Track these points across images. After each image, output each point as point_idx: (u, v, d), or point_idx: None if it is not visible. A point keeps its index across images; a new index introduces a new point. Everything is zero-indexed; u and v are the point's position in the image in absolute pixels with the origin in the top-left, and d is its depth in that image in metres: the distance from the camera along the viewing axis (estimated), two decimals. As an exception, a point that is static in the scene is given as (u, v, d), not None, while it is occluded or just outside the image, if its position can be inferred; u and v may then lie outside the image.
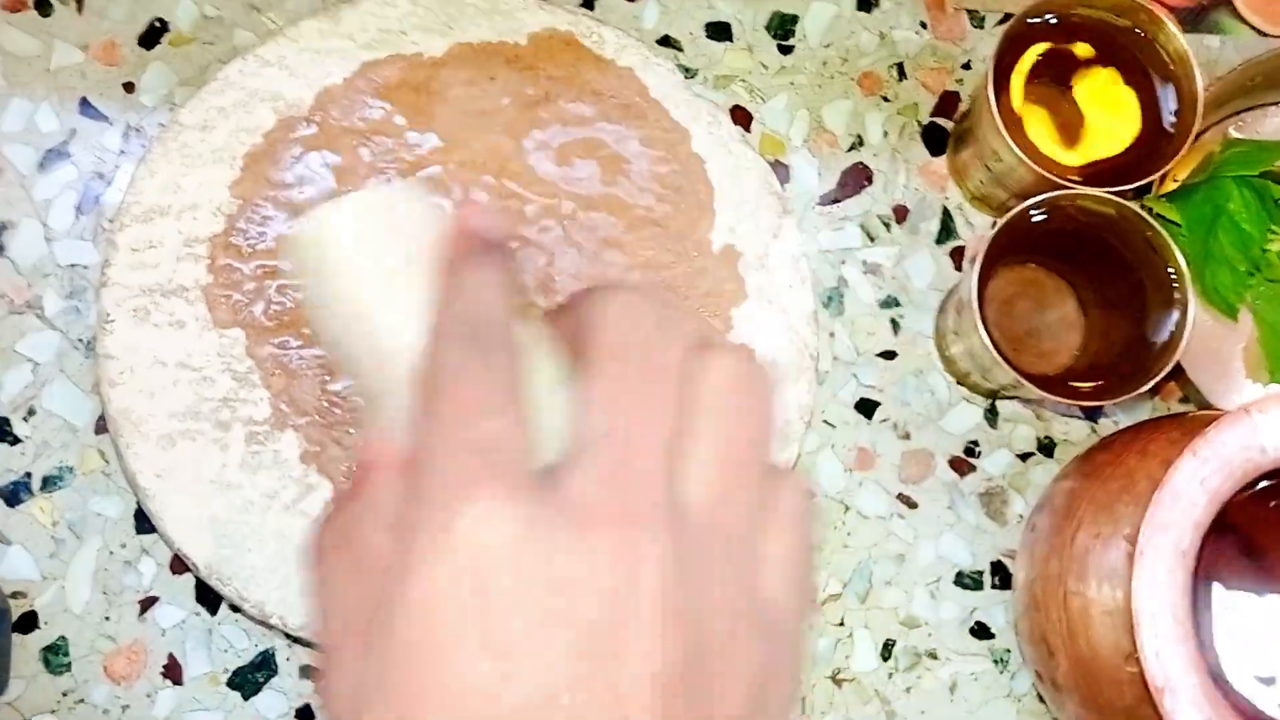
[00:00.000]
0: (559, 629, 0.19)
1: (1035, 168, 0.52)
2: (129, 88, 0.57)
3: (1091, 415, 0.60)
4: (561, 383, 0.23)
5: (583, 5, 0.60)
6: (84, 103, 0.57)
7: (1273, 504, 0.52)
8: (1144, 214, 0.51)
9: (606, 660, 0.19)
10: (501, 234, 0.24)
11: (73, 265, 0.56)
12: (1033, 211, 0.52)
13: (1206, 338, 0.58)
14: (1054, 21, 0.55)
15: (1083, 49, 0.55)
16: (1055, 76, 0.57)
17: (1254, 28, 0.65)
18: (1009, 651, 0.57)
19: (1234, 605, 0.52)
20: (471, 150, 0.54)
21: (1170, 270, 0.51)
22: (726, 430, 0.23)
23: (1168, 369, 0.50)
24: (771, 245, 0.55)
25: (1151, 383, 0.50)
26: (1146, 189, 0.56)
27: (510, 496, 0.20)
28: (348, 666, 0.21)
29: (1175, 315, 0.51)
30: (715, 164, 0.56)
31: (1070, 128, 0.56)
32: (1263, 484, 0.46)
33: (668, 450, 0.22)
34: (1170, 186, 0.58)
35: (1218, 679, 0.47)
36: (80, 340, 0.55)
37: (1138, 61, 0.55)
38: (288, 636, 0.52)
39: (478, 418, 0.21)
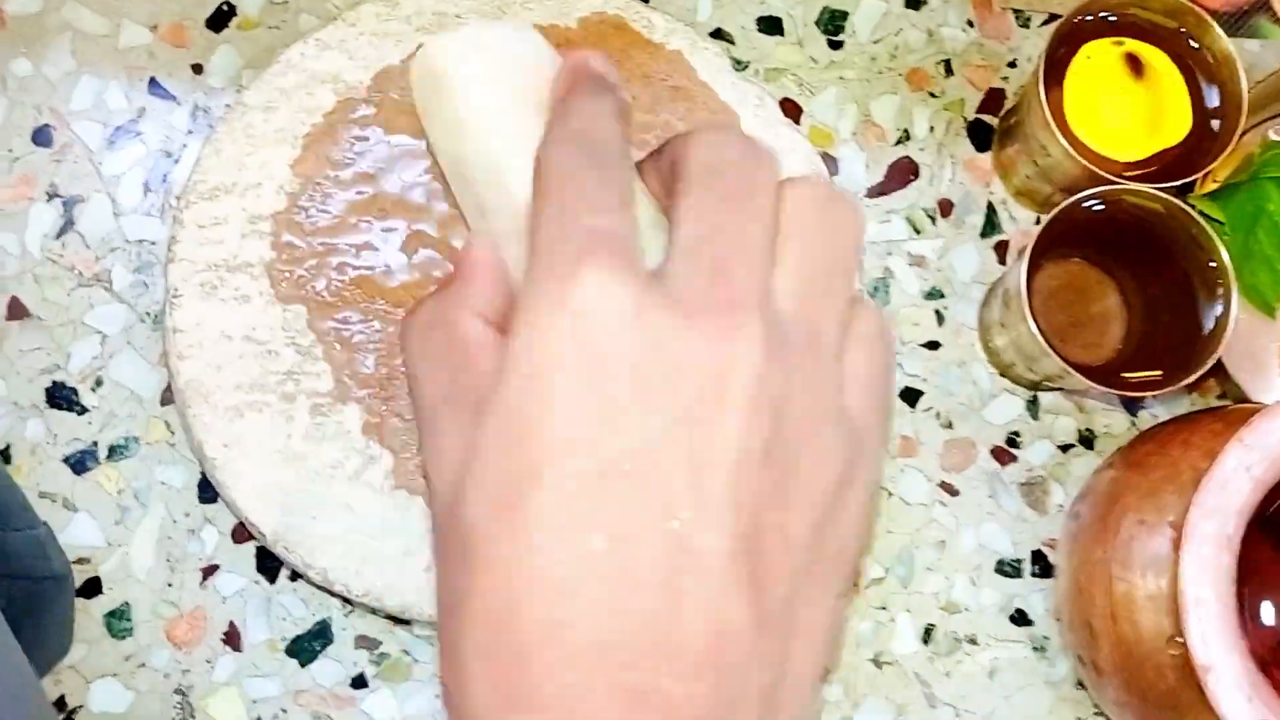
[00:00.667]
0: (658, 397, 0.21)
1: (1084, 161, 0.53)
2: (197, 69, 0.59)
3: (1131, 409, 0.61)
4: (658, 225, 0.25)
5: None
6: (153, 82, 0.58)
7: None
8: (1190, 210, 0.52)
9: (696, 431, 0.21)
10: (615, 77, 0.26)
11: (140, 241, 0.57)
12: (1085, 203, 0.53)
13: (1244, 335, 0.59)
14: (1106, 20, 0.56)
15: (1134, 48, 0.56)
16: (1105, 75, 0.58)
17: (1295, 32, 0.66)
18: (1047, 639, 0.58)
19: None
20: None
21: (1213, 264, 0.52)
22: (815, 247, 0.24)
23: (1213, 360, 0.51)
24: None
25: (1197, 374, 0.51)
26: (1189, 188, 0.57)
27: (623, 275, 0.21)
28: (447, 432, 0.22)
29: (1219, 308, 0.52)
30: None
31: (1119, 125, 0.57)
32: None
33: (761, 257, 0.23)
34: (1210, 187, 0.60)
35: (1260, 662, 0.48)
36: (147, 314, 0.56)
37: (1185, 62, 0.56)
38: (346, 602, 0.54)
39: (594, 211, 0.22)
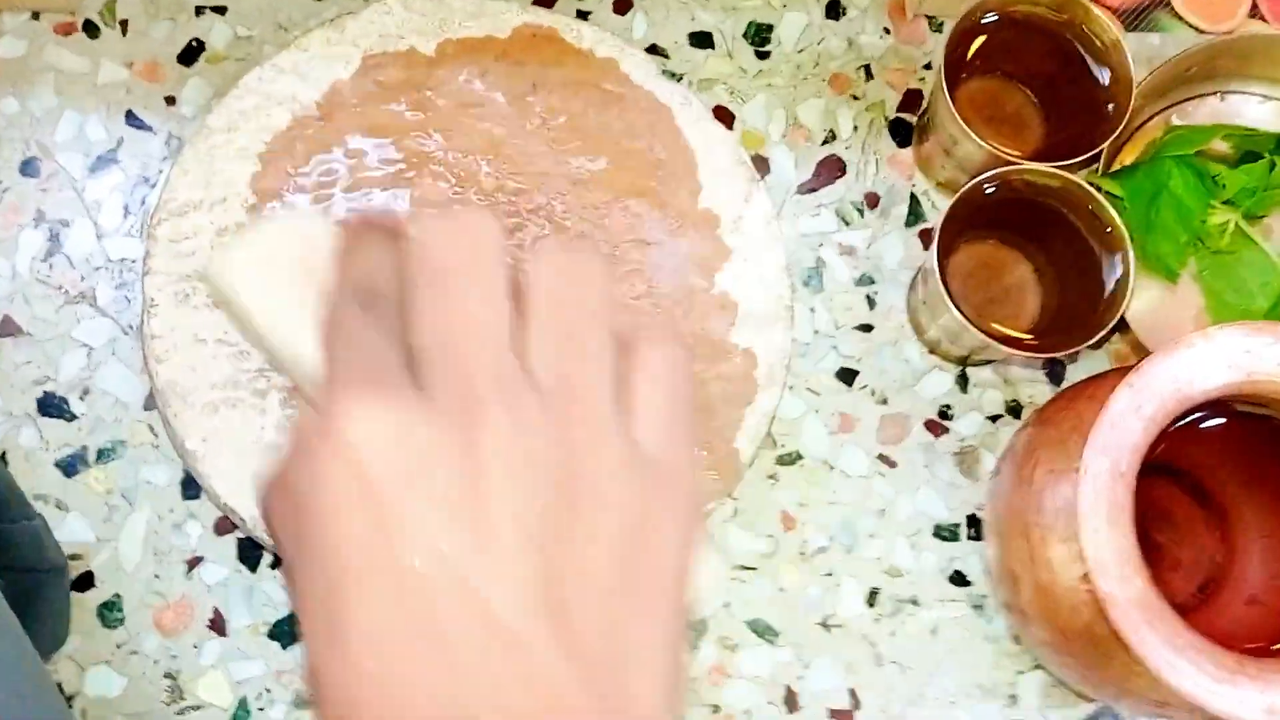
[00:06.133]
0: (428, 496, 0.22)
1: (986, 146, 0.58)
2: (170, 100, 0.63)
3: (1055, 379, 0.65)
4: None
5: (578, 17, 0.66)
6: (129, 114, 0.63)
7: (1216, 448, 0.57)
8: (1083, 183, 0.57)
9: (470, 514, 0.23)
10: (388, 220, 0.28)
11: (122, 259, 0.61)
12: (985, 185, 0.57)
13: (1159, 310, 0.63)
14: (996, 19, 0.61)
15: (1026, 43, 0.61)
16: (1004, 70, 0.63)
17: (1192, 25, 0.71)
18: (985, 597, 0.62)
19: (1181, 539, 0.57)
20: (468, 138, 0.61)
21: (1109, 231, 0.57)
22: (559, 308, 0.25)
23: (1116, 317, 0.56)
24: (745, 210, 0.61)
25: (1101, 332, 0.55)
26: (1094, 166, 0.62)
27: (384, 400, 0.23)
28: (294, 577, 0.24)
29: (1119, 271, 0.57)
30: (691, 138, 0.62)
31: (1019, 113, 0.62)
32: (1195, 415, 0.51)
33: (492, 337, 0.24)
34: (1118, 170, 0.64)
35: (1179, 607, 0.51)
36: (130, 326, 0.60)
37: (1076, 51, 0.61)
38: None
39: (359, 351, 0.25)
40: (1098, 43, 0.60)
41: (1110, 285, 0.57)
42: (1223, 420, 0.53)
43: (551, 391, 0.24)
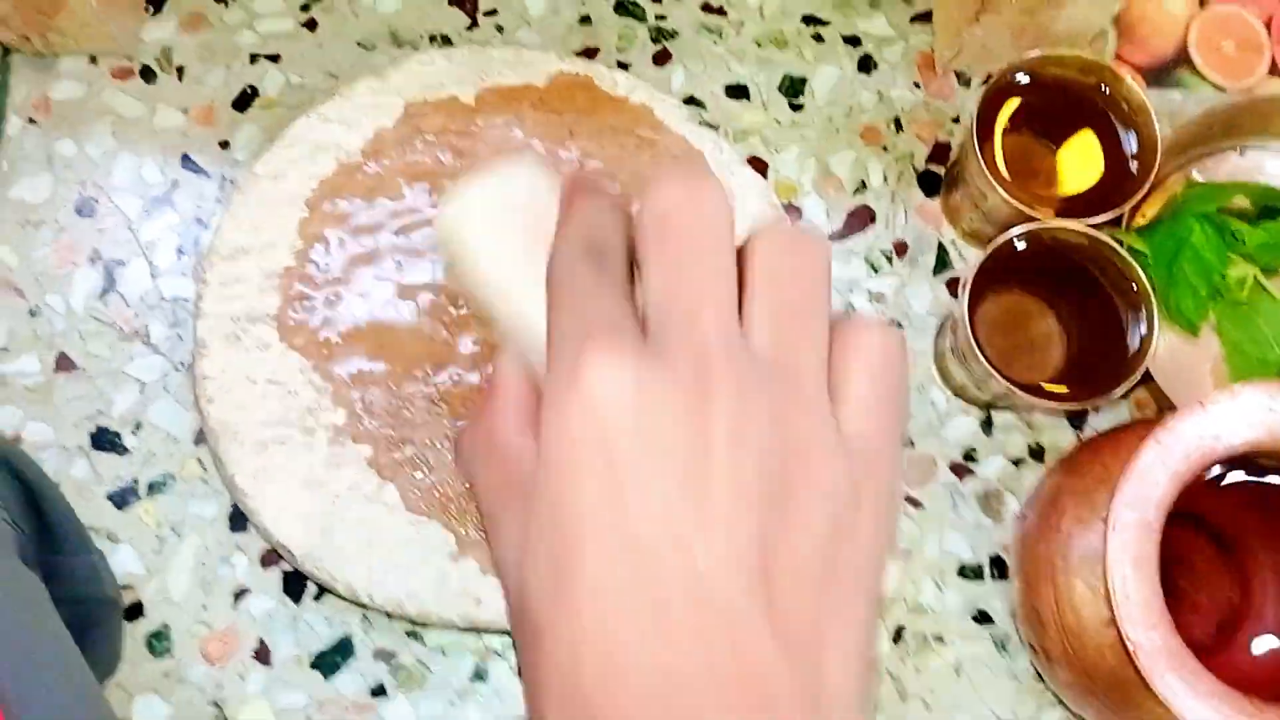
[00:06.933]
0: (658, 461, 0.23)
1: (1015, 203, 0.60)
2: (224, 145, 0.66)
3: (1076, 425, 0.67)
4: None
5: (618, 68, 0.68)
6: (185, 158, 0.65)
7: (1236, 498, 0.59)
8: (1110, 240, 0.59)
9: (694, 485, 0.23)
10: (603, 181, 0.29)
11: (175, 298, 0.63)
12: (1015, 240, 0.59)
13: (1179, 359, 0.65)
14: (1028, 80, 0.63)
15: (1055, 103, 0.63)
16: (1032, 128, 0.65)
17: (1212, 83, 0.73)
18: (1008, 636, 0.63)
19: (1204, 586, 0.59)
20: None
21: (1135, 288, 0.58)
22: (782, 286, 0.25)
23: (1139, 373, 0.57)
24: None
25: (1125, 385, 0.57)
26: (1118, 224, 0.64)
27: (620, 356, 0.23)
28: (506, 533, 0.25)
29: (1143, 327, 0.59)
30: (724, 183, 0.64)
31: (1046, 171, 0.64)
32: (1217, 469, 0.53)
33: (724, 305, 0.24)
34: (1140, 224, 0.66)
35: (1198, 649, 0.53)
36: (181, 363, 0.62)
37: (1103, 112, 0.63)
38: (367, 611, 0.59)
39: (593, 304, 0.25)
40: (1124, 105, 0.62)
41: (1134, 342, 0.59)
42: (1243, 474, 0.55)
43: (771, 368, 0.24)
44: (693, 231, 0.25)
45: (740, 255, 0.26)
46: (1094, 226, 0.60)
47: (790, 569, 0.23)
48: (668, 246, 0.25)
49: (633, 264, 0.27)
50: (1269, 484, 0.54)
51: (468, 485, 0.28)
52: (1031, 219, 0.60)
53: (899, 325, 0.67)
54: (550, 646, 0.23)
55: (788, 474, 0.24)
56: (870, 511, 0.25)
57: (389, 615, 0.59)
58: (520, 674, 0.25)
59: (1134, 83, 0.62)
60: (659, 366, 0.23)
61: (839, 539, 0.24)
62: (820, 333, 0.25)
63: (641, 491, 0.23)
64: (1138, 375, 0.58)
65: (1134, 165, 0.62)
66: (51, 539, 0.52)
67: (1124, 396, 0.64)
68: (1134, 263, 0.59)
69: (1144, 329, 0.59)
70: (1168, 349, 0.65)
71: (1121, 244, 0.61)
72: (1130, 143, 0.62)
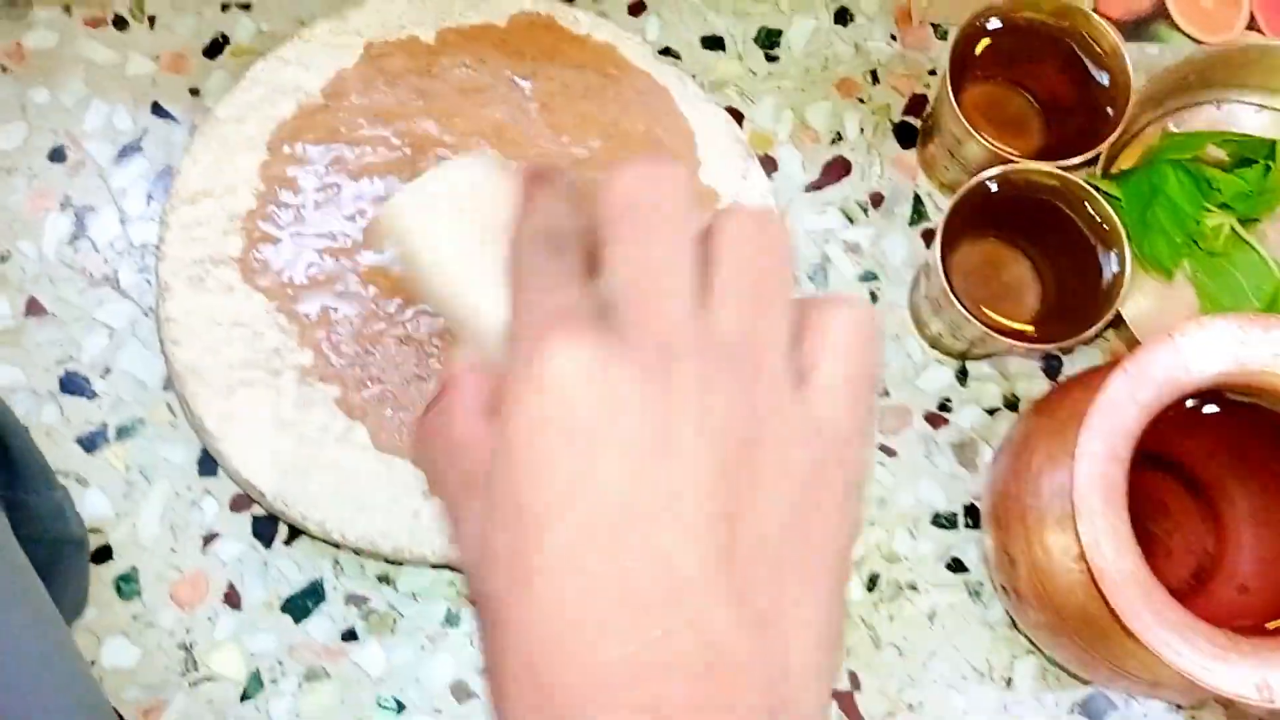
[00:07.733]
0: (622, 442, 0.23)
1: (989, 145, 0.60)
2: (194, 92, 0.65)
3: (1051, 373, 0.66)
4: None
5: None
6: (155, 105, 0.65)
7: (1210, 442, 0.59)
8: (1082, 182, 0.59)
9: (661, 458, 0.23)
10: (560, 173, 0.29)
11: (144, 244, 0.63)
12: (988, 182, 0.59)
13: (1155, 308, 0.65)
14: (1000, 25, 0.63)
15: (1028, 47, 0.63)
16: (1007, 77, 0.65)
17: (1189, 35, 0.73)
18: (981, 584, 0.63)
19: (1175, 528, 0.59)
20: (471, 123, 0.62)
21: (1106, 225, 0.58)
22: (746, 269, 0.25)
23: (1113, 310, 0.57)
24: (742, 186, 0.63)
25: (1099, 323, 0.57)
26: (1093, 169, 0.64)
27: (580, 340, 0.23)
28: (465, 520, 0.25)
29: (1115, 265, 0.58)
30: (689, 118, 0.64)
31: (1020, 117, 0.64)
32: (1190, 402, 0.53)
33: (687, 290, 0.25)
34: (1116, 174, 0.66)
35: (1175, 593, 0.53)
36: (150, 309, 0.62)
37: (1076, 56, 0.62)
38: (339, 550, 0.59)
39: (552, 291, 0.25)
40: (1097, 48, 0.62)
41: (1107, 279, 0.59)
42: (1215, 409, 0.55)
43: (735, 348, 0.24)
44: (652, 213, 0.25)
45: (704, 239, 0.26)
46: (1069, 171, 0.60)
47: (754, 548, 0.23)
48: (627, 228, 0.25)
49: (595, 254, 0.27)
50: (1241, 417, 0.54)
51: (426, 478, 0.27)
52: (1005, 160, 0.60)
53: (874, 276, 0.67)
54: (511, 628, 0.23)
55: (752, 454, 0.24)
56: (837, 491, 0.25)
57: (359, 553, 0.58)
58: (483, 656, 0.25)
59: (1106, 25, 0.62)
60: (620, 348, 0.23)
61: (804, 518, 0.24)
62: (785, 313, 0.26)
63: (603, 472, 0.23)
64: (1111, 312, 0.58)
65: (1108, 110, 0.62)
66: (15, 476, 0.52)
67: (1097, 336, 0.64)
68: (1105, 202, 0.59)
69: (1116, 266, 0.59)
70: (1143, 301, 0.65)
71: (1095, 188, 0.61)
72: (1104, 84, 0.62)
